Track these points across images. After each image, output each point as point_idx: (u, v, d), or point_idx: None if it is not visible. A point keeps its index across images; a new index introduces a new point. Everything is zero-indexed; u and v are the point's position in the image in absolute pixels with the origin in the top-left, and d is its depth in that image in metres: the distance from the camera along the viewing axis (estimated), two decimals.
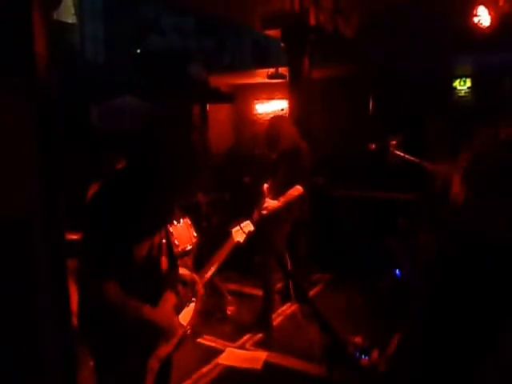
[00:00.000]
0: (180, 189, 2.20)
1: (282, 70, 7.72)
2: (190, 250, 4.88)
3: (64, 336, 2.08)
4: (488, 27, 5.35)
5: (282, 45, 6.45)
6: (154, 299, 2.23)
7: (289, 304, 5.67)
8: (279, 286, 5.84)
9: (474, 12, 5.40)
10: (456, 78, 8.16)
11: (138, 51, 12.63)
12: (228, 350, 4.73)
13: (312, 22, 5.95)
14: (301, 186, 5.04)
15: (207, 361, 4.50)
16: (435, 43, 6.27)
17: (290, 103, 6.77)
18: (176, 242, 2.40)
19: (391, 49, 6.77)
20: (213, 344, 4.86)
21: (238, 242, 3.17)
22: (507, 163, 3.66)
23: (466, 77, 8.10)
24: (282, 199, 5.01)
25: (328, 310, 5.01)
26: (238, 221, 3.35)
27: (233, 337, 5.02)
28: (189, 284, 2.52)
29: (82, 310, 2.19)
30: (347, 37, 6.52)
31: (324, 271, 6.69)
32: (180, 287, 2.45)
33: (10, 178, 1.95)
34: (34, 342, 2.03)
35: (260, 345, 4.90)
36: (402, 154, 5.28)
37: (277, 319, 5.42)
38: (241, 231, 3.26)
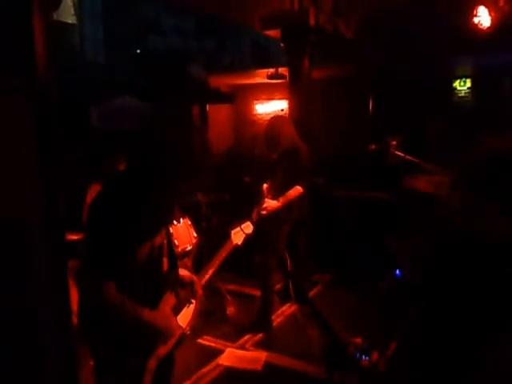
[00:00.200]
0: (180, 189, 2.20)
1: (282, 70, 7.72)
2: (189, 251, 4.88)
3: (64, 336, 2.08)
4: (488, 28, 5.35)
5: (282, 45, 6.44)
6: (155, 300, 2.23)
7: (289, 304, 5.67)
8: (279, 286, 5.84)
9: (474, 12, 5.40)
10: (456, 79, 8.16)
11: (138, 51, 12.63)
12: (228, 350, 4.73)
13: (312, 22, 5.95)
14: (300, 186, 5.04)
15: (207, 361, 4.50)
16: (435, 44, 6.27)
17: (289, 103, 6.77)
18: (176, 242, 2.40)
19: (391, 49, 6.77)
20: (213, 344, 4.86)
21: (237, 244, 3.18)
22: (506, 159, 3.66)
23: (466, 77, 8.10)
24: (282, 199, 5.01)
25: (328, 310, 5.01)
26: (238, 222, 3.35)
27: (233, 337, 5.02)
28: (188, 285, 2.52)
29: (82, 310, 2.19)
30: (347, 37, 6.52)
31: (324, 271, 6.69)
32: (179, 288, 2.45)
33: (10, 178, 1.95)
34: (34, 342, 2.03)
35: (260, 345, 4.89)
36: (402, 155, 5.27)
37: (277, 320, 5.42)
38: (240, 233, 3.26)
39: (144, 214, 2.08)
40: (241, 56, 10.97)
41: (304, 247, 5.98)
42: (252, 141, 8.49)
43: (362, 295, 5.79)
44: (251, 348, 4.84)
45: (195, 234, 5.07)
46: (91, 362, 2.32)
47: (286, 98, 7.48)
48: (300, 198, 5.12)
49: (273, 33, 6.48)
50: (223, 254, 3.01)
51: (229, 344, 4.87)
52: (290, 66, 6.62)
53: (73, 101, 6.20)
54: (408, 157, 5.23)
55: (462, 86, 8.16)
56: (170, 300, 2.33)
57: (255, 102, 9.79)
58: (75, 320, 2.22)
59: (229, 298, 5.69)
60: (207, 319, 5.28)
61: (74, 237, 3.58)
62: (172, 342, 2.33)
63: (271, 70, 8.21)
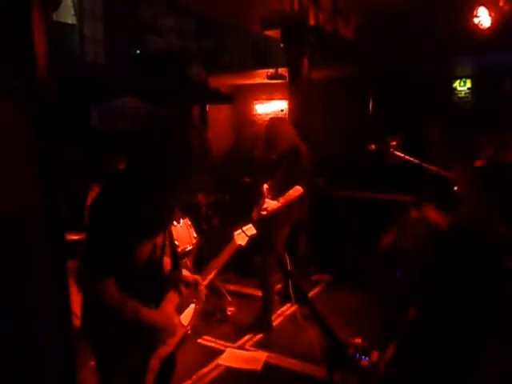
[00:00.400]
0: (180, 189, 2.20)
1: (282, 70, 7.72)
2: (189, 251, 4.88)
3: (64, 336, 2.08)
4: (488, 28, 5.36)
5: (282, 45, 6.44)
6: (157, 299, 2.23)
7: (289, 305, 5.67)
8: (279, 286, 5.84)
9: (475, 13, 5.40)
10: (456, 79, 8.17)
11: (138, 52, 12.62)
12: (228, 350, 4.73)
13: (311, 22, 5.95)
14: (300, 186, 5.04)
15: (207, 361, 4.50)
16: (435, 44, 6.27)
17: (289, 104, 6.77)
18: (176, 242, 2.40)
19: (391, 49, 6.77)
20: (213, 345, 4.86)
21: (240, 245, 3.15)
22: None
23: (466, 78, 8.11)
24: (282, 200, 5.00)
25: (328, 310, 5.03)
26: (241, 223, 3.33)
27: (233, 337, 5.01)
28: (191, 285, 2.51)
29: (83, 308, 2.19)
30: (347, 37, 6.52)
31: (324, 272, 6.69)
32: (183, 288, 2.45)
33: (10, 178, 1.95)
34: (34, 342, 2.03)
35: (260, 345, 4.89)
36: (401, 155, 5.27)
37: (277, 320, 5.42)
38: (243, 234, 3.25)
39: (144, 213, 2.09)
40: (240, 56, 10.96)
41: (304, 247, 5.98)
42: (252, 141, 8.50)
43: (361, 295, 5.79)
44: (251, 348, 4.84)
45: (195, 235, 5.07)
46: (91, 362, 2.33)
47: (286, 99, 7.49)
48: (300, 198, 5.12)
49: (272, 33, 6.48)
50: (226, 255, 3.00)
51: (229, 344, 4.86)
52: (290, 67, 6.61)
53: (73, 101, 6.20)
54: (408, 157, 5.23)
55: (462, 86, 8.16)
56: (173, 299, 2.33)
57: (255, 102, 9.79)
58: (75, 320, 2.22)
59: (229, 298, 5.70)
60: (207, 319, 5.29)
61: (74, 237, 3.59)
62: (175, 341, 2.33)
63: (271, 71, 8.22)
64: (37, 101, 2.04)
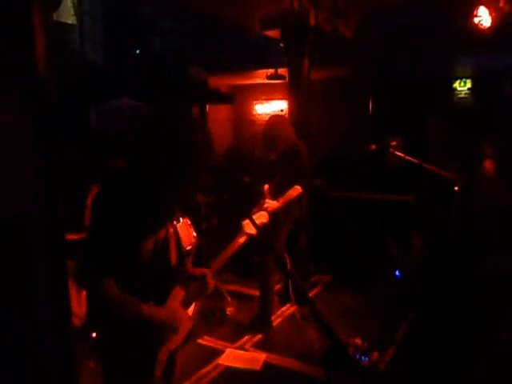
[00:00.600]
0: (182, 187, 2.20)
1: (282, 70, 7.71)
2: (189, 251, 4.87)
3: (64, 336, 2.07)
4: (488, 28, 5.35)
5: (282, 45, 6.44)
6: (163, 294, 2.23)
7: (288, 305, 5.67)
8: (278, 286, 5.84)
9: (475, 13, 5.40)
10: (456, 79, 8.16)
11: (138, 52, 12.63)
12: (228, 350, 4.73)
13: (311, 22, 5.95)
14: (300, 186, 5.04)
15: (207, 361, 4.50)
16: (435, 44, 6.27)
17: (289, 104, 6.77)
18: (171, 246, 2.39)
19: (391, 49, 6.76)
20: (212, 345, 4.86)
21: (250, 234, 3.04)
22: None
23: (467, 78, 8.10)
24: (282, 200, 5.00)
25: (327, 310, 5.03)
26: (251, 212, 3.28)
27: (232, 338, 5.02)
28: (198, 278, 2.51)
29: (88, 306, 2.20)
30: (347, 37, 6.52)
31: (323, 272, 6.69)
32: (190, 282, 2.44)
33: (10, 178, 1.95)
34: (34, 342, 2.02)
35: (259, 346, 4.90)
36: (401, 155, 5.28)
37: (276, 320, 5.42)
38: (252, 223, 3.18)
39: (146, 209, 2.09)
40: (240, 56, 10.96)
41: (303, 248, 5.98)
42: (251, 141, 8.49)
43: (361, 295, 5.79)
44: (251, 348, 4.84)
45: (195, 234, 5.06)
46: (91, 363, 2.33)
47: (286, 99, 7.48)
48: (299, 198, 5.12)
49: (272, 33, 6.48)
50: (235, 246, 2.95)
51: (228, 344, 4.87)
52: (290, 67, 6.61)
53: (73, 101, 6.20)
54: (408, 157, 5.24)
55: (462, 86, 8.16)
56: (179, 294, 2.33)
57: (255, 102, 9.78)
58: (75, 320, 2.22)
59: (228, 298, 5.69)
60: (207, 320, 5.29)
61: (74, 237, 3.58)
62: (182, 335, 2.33)
63: (271, 71, 8.20)
64: (37, 101, 2.03)
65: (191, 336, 2.43)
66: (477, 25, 5.41)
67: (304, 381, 4.27)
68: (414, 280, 5.64)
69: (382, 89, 8.16)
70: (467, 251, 4.65)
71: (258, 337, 5.05)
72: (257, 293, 5.47)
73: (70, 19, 10.88)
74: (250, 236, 3.03)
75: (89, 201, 4.21)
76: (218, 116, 9.54)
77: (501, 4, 5.24)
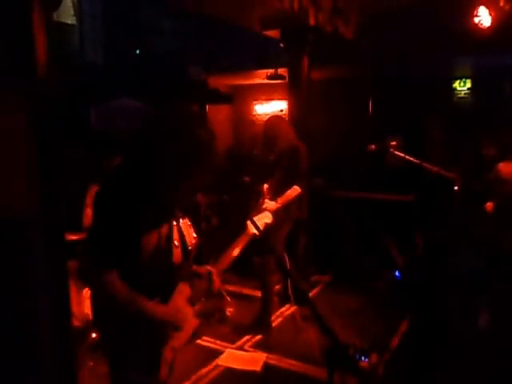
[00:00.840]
0: (181, 187, 2.19)
1: (282, 70, 7.72)
2: (190, 251, 4.86)
3: (64, 336, 2.07)
4: (488, 28, 5.35)
5: (282, 45, 6.44)
6: (167, 291, 2.22)
7: (288, 305, 5.67)
8: (278, 287, 5.84)
9: (475, 12, 5.40)
10: (456, 79, 8.17)
11: (138, 52, 12.62)
12: (227, 351, 4.73)
13: (311, 22, 5.94)
14: (299, 186, 5.03)
15: (207, 362, 4.49)
16: (435, 43, 6.27)
17: (289, 104, 6.77)
18: (176, 243, 2.38)
19: (391, 49, 6.76)
20: (212, 345, 4.85)
21: (254, 234, 3.02)
22: None
23: (466, 78, 8.11)
24: (281, 200, 5.00)
25: (327, 311, 5.03)
26: (242, 223, 3.28)
27: (232, 338, 5.01)
28: (204, 277, 2.50)
29: (92, 303, 2.20)
30: (347, 37, 6.51)
31: (323, 272, 6.69)
32: (195, 280, 2.44)
33: (10, 178, 1.95)
34: (33, 342, 2.02)
35: (259, 346, 4.89)
36: (402, 155, 5.27)
37: (276, 321, 5.41)
38: (258, 222, 3.17)
39: (148, 204, 2.08)
40: (240, 56, 10.95)
41: (303, 248, 5.98)
42: (251, 141, 8.50)
43: (361, 296, 5.79)
44: (250, 349, 4.84)
45: (195, 235, 5.06)
46: (91, 362, 2.33)
47: (286, 99, 7.49)
48: (299, 198, 5.12)
49: (272, 33, 6.48)
50: (240, 245, 2.94)
51: (228, 345, 4.86)
52: (290, 67, 6.61)
53: (73, 101, 6.20)
54: (408, 157, 5.23)
55: (462, 86, 8.16)
56: (184, 291, 2.32)
57: (254, 102, 9.79)
58: (75, 320, 2.22)
59: (228, 298, 5.69)
60: (207, 320, 5.28)
61: (74, 237, 3.59)
62: (188, 332, 2.32)
63: (270, 71, 8.21)
64: (37, 101, 2.03)
65: (196, 334, 2.41)
66: (477, 25, 5.42)
67: (304, 381, 4.27)
68: (413, 280, 5.64)
69: (382, 89, 8.16)
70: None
71: (258, 337, 5.04)
72: (256, 293, 5.46)
73: (70, 19, 10.87)
74: (254, 236, 3.02)
75: (88, 200, 4.22)
76: (218, 116, 9.54)
77: (501, 4, 5.24)
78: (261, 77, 8.57)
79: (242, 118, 9.94)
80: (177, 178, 2.13)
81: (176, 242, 2.30)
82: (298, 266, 5.59)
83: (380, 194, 6.71)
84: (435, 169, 5.06)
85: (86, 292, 3.94)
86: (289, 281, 5.31)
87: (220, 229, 6.44)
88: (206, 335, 4.98)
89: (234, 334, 5.12)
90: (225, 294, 5.71)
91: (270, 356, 4.64)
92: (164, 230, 2.21)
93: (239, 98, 9.78)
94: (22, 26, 2.00)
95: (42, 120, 2.04)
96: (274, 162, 5.16)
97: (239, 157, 8.52)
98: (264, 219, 3.21)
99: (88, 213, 4.16)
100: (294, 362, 4.53)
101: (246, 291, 6.17)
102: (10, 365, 1.98)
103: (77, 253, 2.27)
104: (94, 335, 4.02)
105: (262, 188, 5.27)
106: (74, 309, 2.49)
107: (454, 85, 8.21)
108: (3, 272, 1.94)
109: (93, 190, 4.07)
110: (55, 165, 2.10)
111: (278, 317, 5.50)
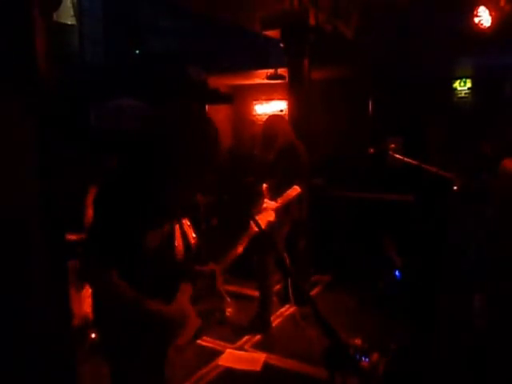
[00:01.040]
0: (181, 187, 2.19)
1: (281, 70, 7.71)
2: (190, 251, 4.86)
3: (64, 336, 2.07)
4: (489, 28, 5.35)
5: (282, 45, 6.43)
6: (170, 290, 2.22)
7: (288, 305, 5.66)
8: (278, 287, 5.83)
9: (475, 12, 5.40)
10: (456, 79, 8.17)
11: (138, 52, 12.64)
12: (227, 351, 4.72)
13: (311, 22, 5.95)
14: (299, 185, 5.03)
15: (206, 362, 4.49)
16: (435, 43, 6.27)
17: (289, 104, 6.76)
18: (177, 242, 2.38)
19: (391, 49, 6.76)
20: (212, 345, 4.85)
21: (258, 232, 3.03)
22: None
23: (467, 78, 8.11)
24: (280, 200, 5.00)
25: (327, 311, 5.02)
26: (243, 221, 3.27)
27: (232, 338, 5.01)
28: (207, 275, 2.50)
29: (93, 302, 2.20)
30: (347, 37, 6.52)
31: (323, 272, 6.68)
32: (198, 279, 2.43)
33: (10, 178, 1.95)
34: (33, 342, 2.02)
35: (259, 346, 4.89)
36: (401, 157, 5.27)
37: (276, 320, 5.41)
38: (260, 220, 3.16)
39: (150, 202, 2.08)
40: (240, 56, 10.96)
41: (303, 248, 5.97)
42: (251, 141, 8.49)
43: (361, 296, 5.78)
44: (250, 349, 4.83)
45: (194, 235, 5.05)
46: (91, 363, 2.32)
47: (286, 99, 7.48)
48: (299, 197, 5.12)
49: (272, 33, 6.47)
50: (243, 243, 2.94)
51: (228, 345, 4.86)
52: (290, 67, 6.60)
53: (73, 101, 6.20)
54: (407, 159, 5.23)
55: (463, 86, 8.17)
56: (187, 290, 2.32)
57: (254, 102, 9.79)
58: (75, 321, 2.22)
59: (228, 299, 5.68)
60: (206, 320, 5.27)
61: (74, 237, 3.59)
62: (191, 332, 2.32)
63: (270, 71, 8.20)
64: (37, 100, 2.03)
65: (199, 334, 2.41)
66: (477, 25, 5.42)
67: (304, 381, 4.26)
68: (413, 280, 5.64)
69: (382, 89, 8.16)
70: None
71: (258, 337, 5.04)
72: (256, 293, 5.46)
73: (70, 20, 10.88)
74: (257, 234, 3.02)
75: (88, 200, 4.22)
76: (218, 116, 9.53)
77: (501, 4, 5.24)
78: (261, 77, 8.56)
79: (242, 118, 9.93)
80: (177, 178, 2.12)
81: (177, 242, 2.30)
82: (298, 266, 5.59)
83: (380, 193, 6.71)
84: (435, 169, 5.06)
85: (87, 291, 3.94)
86: (289, 281, 5.31)
87: (220, 229, 6.43)
88: (206, 335, 4.98)
89: (233, 334, 5.11)
90: (225, 294, 5.71)
91: (270, 356, 4.63)
92: (166, 229, 2.20)
93: (239, 98, 9.77)
94: (22, 27, 2.01)
95: (42, 120, 2.04)
96: (273, 162, 5.16)
97: (239, 157, 8.52)
98: (267, 217, 3.22)
99: (89, 213, 4.16)
100: (293, 361, 4.52)
101: (246, 291, 6.16)
102: (10, 365, 1.98)
103: (77, 253, 2.26)
104: (93, 335, 4.02)
105: (262, 188, 5.27)
106: (74, 309, 2.49)
107: (454, 85, 8.22)
108: (3, 272, 1.94)
109: (93, 190, 4.07)
110: (55, 165, 2.10)
111: (277, 317, 5.50)
